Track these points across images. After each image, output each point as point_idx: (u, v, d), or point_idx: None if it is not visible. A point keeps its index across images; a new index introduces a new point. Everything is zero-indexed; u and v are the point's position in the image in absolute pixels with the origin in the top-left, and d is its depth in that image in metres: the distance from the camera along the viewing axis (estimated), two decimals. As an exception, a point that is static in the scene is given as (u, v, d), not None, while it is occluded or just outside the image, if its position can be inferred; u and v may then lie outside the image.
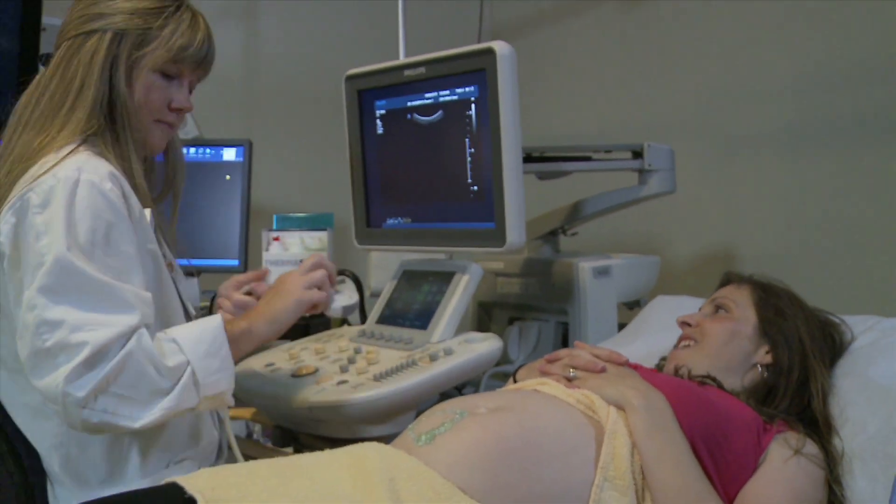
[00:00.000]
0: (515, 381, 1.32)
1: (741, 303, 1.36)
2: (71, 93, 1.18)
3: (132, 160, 1.21)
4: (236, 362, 1.18)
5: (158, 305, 1.15)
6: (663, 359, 1.44)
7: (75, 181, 1.09)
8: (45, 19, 2.04)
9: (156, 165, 1.35)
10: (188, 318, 1.31)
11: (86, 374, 1.01)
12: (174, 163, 1.36)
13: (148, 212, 1.23)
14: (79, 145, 1.15)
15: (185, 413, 1.12)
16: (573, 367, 1.22)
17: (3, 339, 1.16)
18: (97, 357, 1.02)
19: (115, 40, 1.18)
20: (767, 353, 1.31)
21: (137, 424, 1.05)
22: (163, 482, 1.01)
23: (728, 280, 1.45)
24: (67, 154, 1.13)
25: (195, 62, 1.25)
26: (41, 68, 1.24)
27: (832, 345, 1.34)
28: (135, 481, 1.17)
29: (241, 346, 1.21)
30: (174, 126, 1.29)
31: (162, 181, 1.36)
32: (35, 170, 1.12)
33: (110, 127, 1.20)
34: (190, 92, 1.29)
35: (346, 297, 1.56)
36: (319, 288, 1.32)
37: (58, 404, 1.02)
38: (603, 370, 1.21)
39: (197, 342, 1.11)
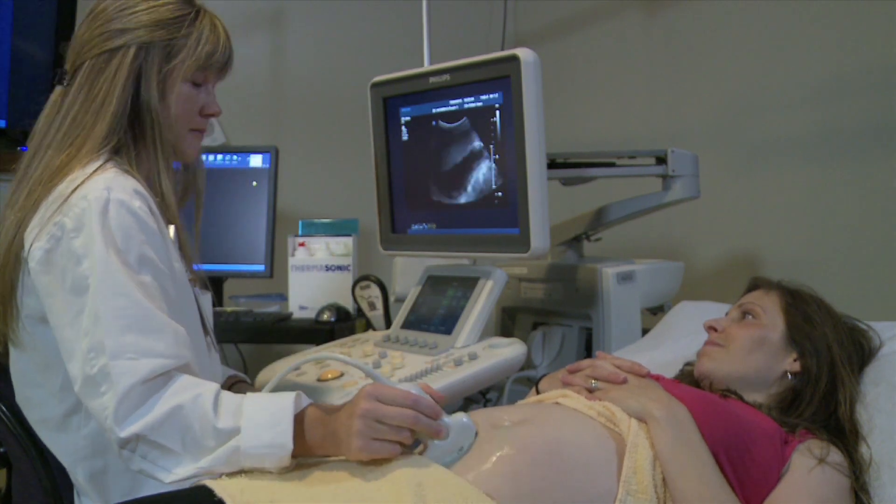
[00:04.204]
0: (538, 392, 1.32)
1: (769, 309, 1.34)
2: (91, 111, 1.15)
3: (161, 174, 1.19)
4: (311, 450, 1.04)
5: (181, 323, 1.11)
6: (688, 364, 1.43)
7: (105, 201, 1.07)
8: (78, 29, 2.09)
9: (176, 172, 1.33)
10: (206, 333, 1.27)
11: (131, 414, 0.99)
12: (196, 167, 1.34)
13: (171, 228, 1.21)
14: (105, 162, 1.14)
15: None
16: (595, 379, 1.22)
17: (25, 355, 1.16)
18: (140, 390, 1.00)
19: (140, 54, 1.16)
20: (795, 360, 1.30)
21: (169, 479, 1.00)
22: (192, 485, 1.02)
23: (756, 285, 1.42)
24: (94, 171, 1.11)
25: (221, 66, 1.24)
26: (57, 87, 1.21)
27: (860, 352, 1.32)
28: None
29: (317, 433, 1.04)
30: (205, 131, 1.28)
31: (182, 187, 1.34)
32: (63, 188, 1.10)
33: (134, 142, 1.18)
34: None
35: (452, 439, 1.04)
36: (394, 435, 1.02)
37: (107, 433, 1.02)
38: (624, 381, 1.21)
39: (259, 409, 1.02)
